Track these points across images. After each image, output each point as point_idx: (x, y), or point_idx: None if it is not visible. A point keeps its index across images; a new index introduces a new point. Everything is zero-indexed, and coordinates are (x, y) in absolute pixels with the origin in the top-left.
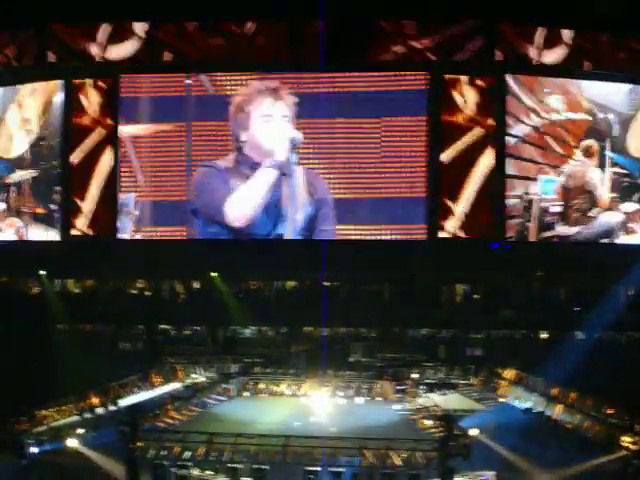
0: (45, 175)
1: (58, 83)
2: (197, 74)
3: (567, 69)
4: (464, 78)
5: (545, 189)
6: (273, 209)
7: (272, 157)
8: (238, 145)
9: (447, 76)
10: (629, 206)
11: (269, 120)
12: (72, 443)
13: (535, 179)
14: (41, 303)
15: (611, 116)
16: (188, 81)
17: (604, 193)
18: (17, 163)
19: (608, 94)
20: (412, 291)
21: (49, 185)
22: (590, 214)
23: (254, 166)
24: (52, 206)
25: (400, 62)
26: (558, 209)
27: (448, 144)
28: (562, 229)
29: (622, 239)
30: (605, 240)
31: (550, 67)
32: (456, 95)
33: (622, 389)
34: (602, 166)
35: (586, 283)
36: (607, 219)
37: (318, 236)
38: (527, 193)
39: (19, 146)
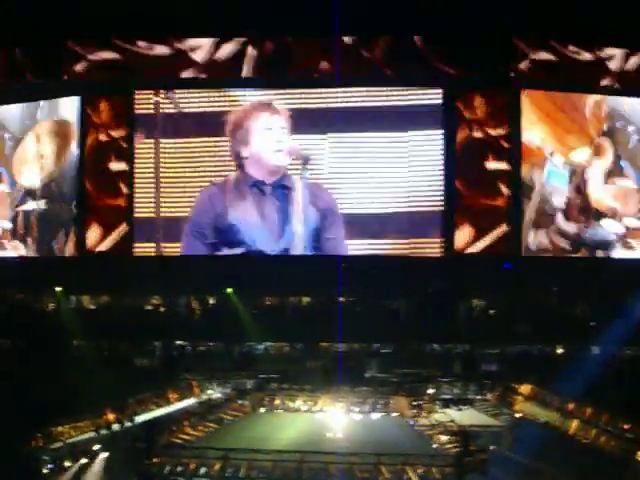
0: (54, 212)
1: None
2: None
3: (584, 84)
4: (479, 93)
5: (550, 177)
6: (276, 223)
7: (275, 172)
8: (240, 163)
9: (462, 91)
10: (631, 221)
11: (269, 133)
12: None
13: (542, 163)
14: (56, 319)
15: (631, 128)
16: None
17: (607, 200)
18: (27, 192)
19: (633, 107)
20: (428, 306)
21: (57, 221)
22: (591, 217)
23: (256, 184)
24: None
25: (414, 77)
26: (561, 201)
27: (464, 157)
28: (562, 223)
29: (620, 253)
30: (601, 250)
31: (567, 83)
32: (471, 109)
33: (638, 404)
34: (612, 172)
35: (602, 298)
36: (608, 228)
37: (324, 245)
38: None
39: (31, 177)
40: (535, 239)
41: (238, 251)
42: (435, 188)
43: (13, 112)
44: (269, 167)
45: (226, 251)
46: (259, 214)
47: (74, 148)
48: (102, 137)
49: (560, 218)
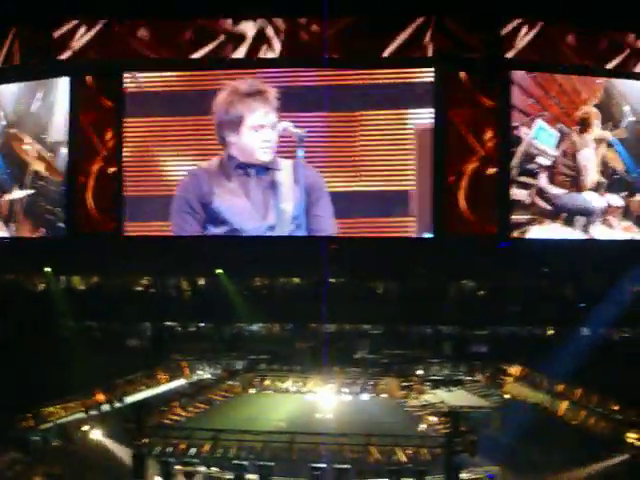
0: (41, 196)
1: None
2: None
3: (577, 66)
4: (469, 74)
5: (539, 136)
6: (263, 202)
7: (260, 161)
8: (224, 144)
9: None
10: (613, 199)
11: (260, 130)
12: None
13: (532, 119)
14: (47, 300)
15: (627, 108)
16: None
17: (594, 171)
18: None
19: (632, 88)
20: (417, 287)
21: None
22: (576, 185)
23: (241, 166)
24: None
25: (406, 58)
26: (547, 162)
27: (453, 138)
28: (545, 184)
29: (599, 229)
30: (583, 218)
31: (560, 65)
32: (461, 90)
33: (628, 385)
34: (602, 146)
35: (591, 279)
36: (591, 198)
37: (312, 223)
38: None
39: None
40: (515, 195)
41: (223, 230)
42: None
43: (7, 95)
44: (253, 159)
45: (212, 229)
46: (245, 194)
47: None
48: (91, 116)
49: (544, 180)
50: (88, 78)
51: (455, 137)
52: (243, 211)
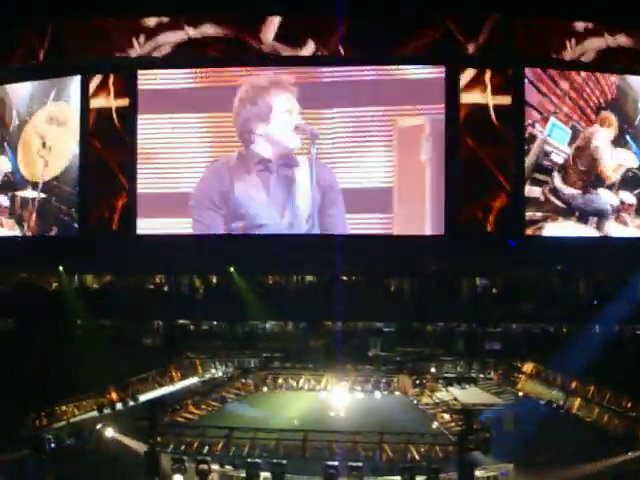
0: (54, 195)
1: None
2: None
3: (587, 64)
4: (481, 70)
5: (553, 133)
6: (281, 199)
7: (283, 152)
8: (248, 139)
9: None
10: (627, 196)
11: (288, 114)
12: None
13: (546, 118)
14: (60, 299)
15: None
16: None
17: (608, 169)
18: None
19: None
20: (431, 285)
21: (58, 206)
22: (589, 184)
23: (262, 162)
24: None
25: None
26: (560, 160)
27: (465, 134)
28: (559, 184)
29: (613, 227)
30: (594, 219)
31: (569, 61)
32: (473, 86)
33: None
34: (615, 143)
35: (604, 277)
36: (604, 196)
37: (326, 222)
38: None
39: (35, 168)
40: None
41: (242, 224)
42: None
43: (22, 93)
44: (280, 147)
45: (231, 225)
46: (265, 190)
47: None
48: (105, 113)
49: (557, 178)
50: (100, 76)
51: (465, 135)
52: (262, 207)
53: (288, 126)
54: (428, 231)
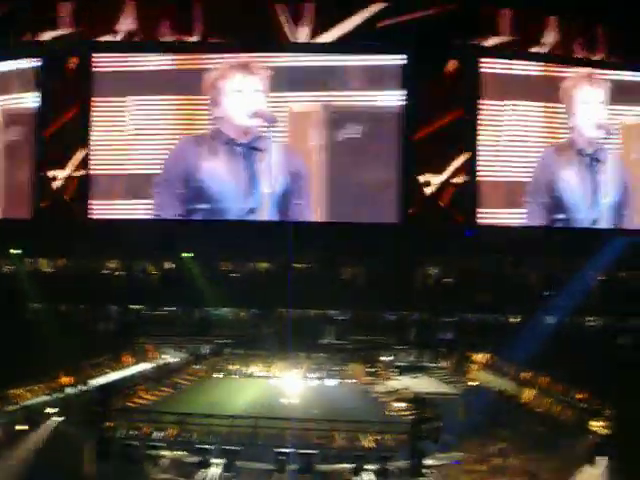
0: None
1: None
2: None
3: (553, 56)
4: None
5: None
6: (246, 183)
7: (246, 133)
8: (213, 121)
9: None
10: None
11: (240, 95)
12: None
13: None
14: (13, 283)
15: None
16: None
17: None
18: None
19: None
20: (383, 274)
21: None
22: None
23: (228, 142)
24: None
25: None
26: None
27: (424, 123)
28: None
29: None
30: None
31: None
32: (434, 75)
33: (592, 373)
34: None
35: (556, 267)
36: None
37: (292, 210)
38: None
39: None
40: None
41: (206, 206)
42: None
43: None
44: (239, 127)
45: (196, 206)
46: (230, 172)
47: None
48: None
49: None
50: (57, 59)
51: (425, 122)
52: (228, 189)
53: (239, 106)
54: (381, 218)
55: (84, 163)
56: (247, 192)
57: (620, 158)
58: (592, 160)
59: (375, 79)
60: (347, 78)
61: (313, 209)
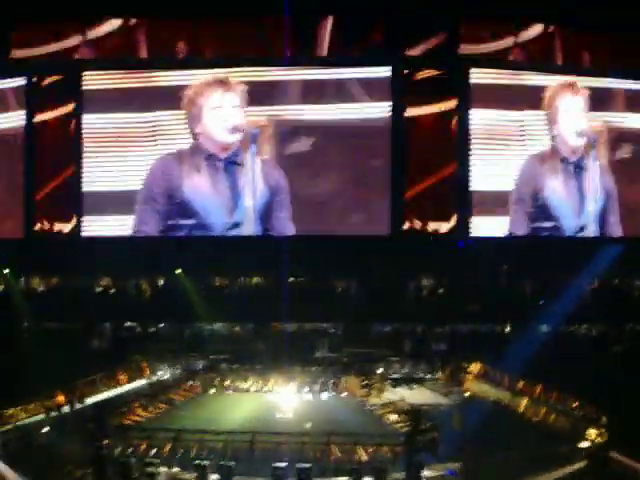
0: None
1: None
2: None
3: (535, 64)
4: (426, 71)
5: None
6: (228, 197)
7: (226, 148)
8: (194, 136)
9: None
10: None
11: (219, 111)
12: None
13: None
14: (6, 301)
15: None
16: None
17: None
18: None
19: None
20: (377, 286)
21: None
22: None
23: (209, 158)
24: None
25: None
26: None
27: (412, 135)
28: None
29: None
30: None
31: (516, 62)
32: (419, 87)
33: (588, 382)
34: None
35: (550, 277)
36: None
37: (274, 223)
38: None
39: None
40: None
41: (191, 222)
42: (384, 166)
43: None
44: (220, 143)
45: (180, 222)
46: (212, 187)
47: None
48: (49, 115)
49: None
50: (44, 77)
51: (414, 135)
52: (211, 204)
53: (218, 122)
54: (373, 231)
55: (74, 180)
56: (230, 206)
57: (603, 165)
58: (575, 168)
59: (364, 90)
60: (336, 91)
61: (290, 222)
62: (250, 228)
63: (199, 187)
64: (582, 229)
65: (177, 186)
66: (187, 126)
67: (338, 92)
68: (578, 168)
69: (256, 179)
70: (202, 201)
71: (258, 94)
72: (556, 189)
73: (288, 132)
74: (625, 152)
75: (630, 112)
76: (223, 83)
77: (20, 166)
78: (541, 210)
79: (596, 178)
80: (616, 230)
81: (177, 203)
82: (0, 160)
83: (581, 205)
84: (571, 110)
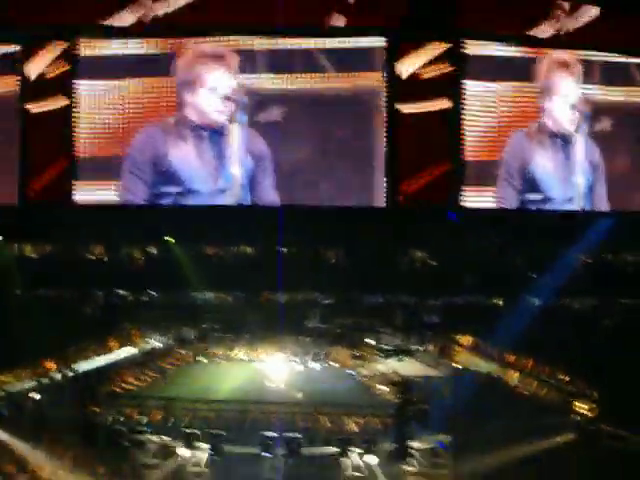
0: None
1: None
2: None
3: (528, 37)
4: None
5: None
6: (214, 165)
7: (214, 122)
8: (181, 104)
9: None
10: None
11: (214, 92)
12: None
13: None
14: None
15: None
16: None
17: None
18: None
19: None
20: (369, 257)
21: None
22: None
23: (194, 129)
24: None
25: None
26: None
27: (407, 101)
28: None
29: None
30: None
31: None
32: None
33: (579, 355)
34: None
35: (542, 249)
36: None
37: (259, 192)
38: None
39: None
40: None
41: (176, 190)
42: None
43: None
44: (207, 118)
45: (164, 189)
46: (198, 156)
47: None
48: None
49: None
50: (39, 42)
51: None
52: (196, 172)
53: (212, 103)
54: (367, 202)
55: (69, 146)
56: (216, 173)
57: (592, 139)
58: (564, 141)
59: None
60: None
61: (274, 190)
62: (237, 195)
63: (184, 155)
64: (571, 203)
65: (162, 155)
66: (176, 91)
67: (334, 62)
68: (567, 142)
69: (240, 147)
70: (188, 169)
71: (259, 62)
72: (544, 163)
73: (273, 100)
74: (608, 125)
75: (611, 85)
76: (223, 59)
77: (14, 132)
78: (530, 184)
79: (584, 151)
80: (605, 204)
81: (162, 171)
82: None
83: (570, 179)
84: (565, 84)
